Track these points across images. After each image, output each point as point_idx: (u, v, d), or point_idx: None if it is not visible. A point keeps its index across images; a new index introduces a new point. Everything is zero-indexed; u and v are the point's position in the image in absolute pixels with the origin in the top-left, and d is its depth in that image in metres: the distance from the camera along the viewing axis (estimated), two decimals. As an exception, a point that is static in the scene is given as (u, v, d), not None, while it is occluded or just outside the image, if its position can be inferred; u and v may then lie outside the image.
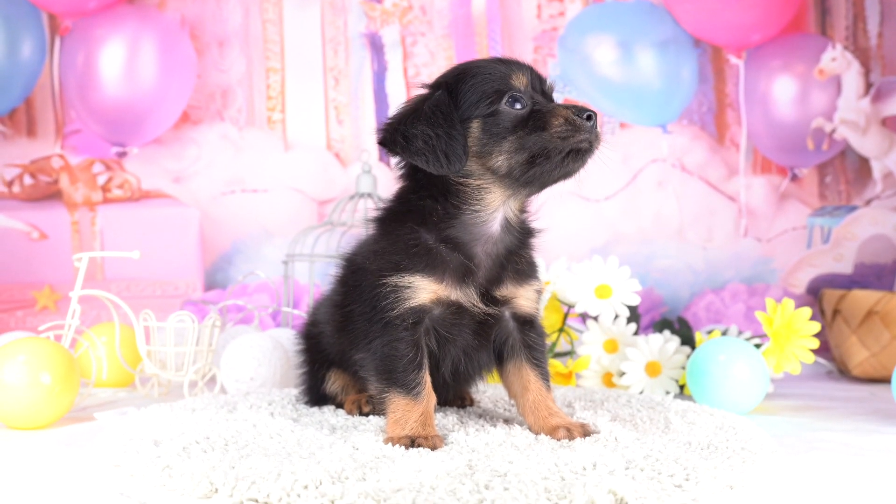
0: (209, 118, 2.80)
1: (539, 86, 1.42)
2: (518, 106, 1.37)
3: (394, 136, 1.39)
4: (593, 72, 2.83)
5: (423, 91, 1.44)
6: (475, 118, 1.37)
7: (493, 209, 1.40)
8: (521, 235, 1.45)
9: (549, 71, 2.83)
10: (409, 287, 1.37)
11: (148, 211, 2.78)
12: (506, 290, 1.43)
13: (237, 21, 2.81)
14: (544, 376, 1.48)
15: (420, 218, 1.40)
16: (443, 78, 1.44)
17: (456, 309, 1.39)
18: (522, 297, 1.45)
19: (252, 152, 2.81)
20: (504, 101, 1.37)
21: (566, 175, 1.39)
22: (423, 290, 1.37)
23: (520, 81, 1.38)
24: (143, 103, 2.77)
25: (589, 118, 1.34)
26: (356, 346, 1.48)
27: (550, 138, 1.34)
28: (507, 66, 1.40)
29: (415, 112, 1.40)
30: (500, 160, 1.36)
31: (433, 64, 2.82)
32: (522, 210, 1.46)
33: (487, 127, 1.37)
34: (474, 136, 1.37)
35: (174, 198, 2.79)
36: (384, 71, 2.83)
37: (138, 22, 2.77)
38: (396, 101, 2.77)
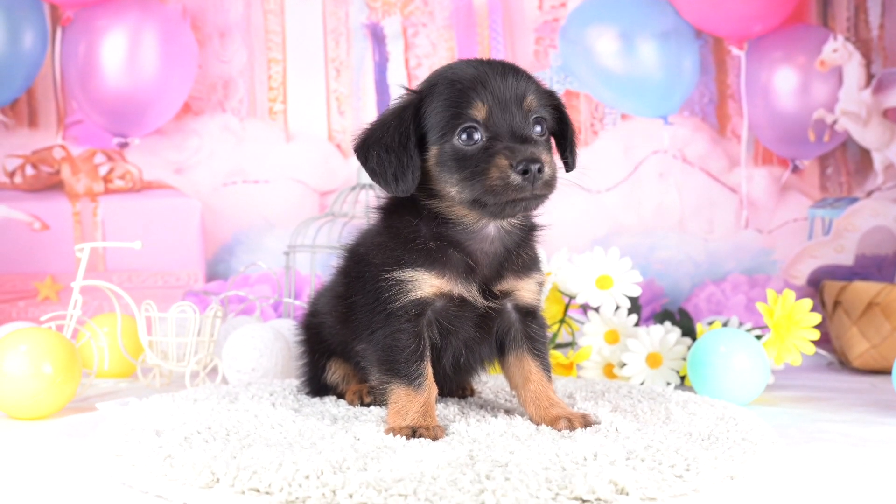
0: (210, 109, 2.80)
1: (510, 106, 1.33)
2: (471, 140, 1.32)
3: (360, 149, 1.40)
4: (595, 63, 2.83)
5: (403, 95, 1.42)
6: (433, 144, 1.35)
7: (480, 222, 1.39)
8: (522, 232, 1.45)
9: (551, 62, 2.82)
10: (411, 281, 1.37)
11: (149, 202, 2.78)
12: (507, 284, 1.43)
13: (238, 12, 2.80)
14: (546, 367, 1.48)
15: (418, 213, 1.40)
16: (421, 85, 1.42)
17: (459, 301, 1.40)
18: (524, 290, 1.45)
19: (253, 143, 2.81)
20: (457, 133, 1.32)
21: (519, 214, 1.37)
22: (425, 284, 1.37)
23: (478, 111, 1.31)
24: (145, 94, 2.77)
25: (525, 172, 1.26)
26: (358, 337, 1.48)
27: (486, 189, 1.29)
28: (473, 87, 1.33)
29: (382, 127, 1.39)
30: (453, 192, 1.34)
31: (434, 55, 2.81)
32: None
33: (441, 158, 1.35)
34: (432, 162, 1.36)
35: (176, 188, 2.79)
36: (386, 62, 2.83)
37: (140, 12, 2.76)
38: (398, 91, 2.76)
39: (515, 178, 1.27)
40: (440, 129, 1.34)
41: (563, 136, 1.46)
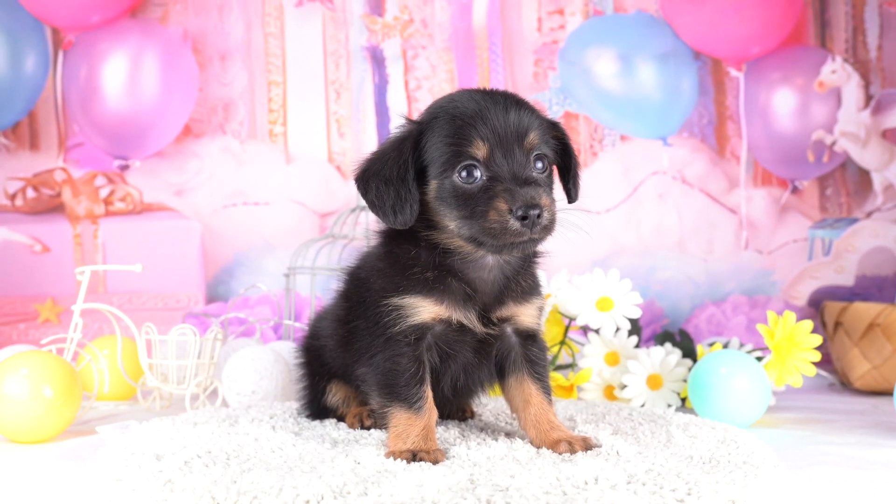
0: (211, 131, 2.81)
1: (512, 144, 1.31)
2: (471, 179, 1.31)
3: (359, 180, 1.39)
4: (594, 84, 2.84)
5: (404, 125, 1.42)
6: (433, 178, 1.35)
7: (478, 253, 1.38)
8: (521, 261, 1.45)
9: (550, 84, 2.83)
10: (410, 307, 1.37)
11: (150, 224, 2.78)
12: (507, 311, 1.43)
13: (239, 35, 2.82)
14: (546, 390, 1.48)
15: (418, 241, 1.40)
16: (422, 116, 1.41)
17: (458, 327, 1.40)
18: (524, 314, 1.45)
19: (254, 165, 2.82)
20: (456, 170, 1.32)
21: (517, 254, 1.38)
22: (424, 311, 1.38)
23: (479, 150, 1.30)
24: (146, 117, 2.78)
25: (524, 218, 1.26)
26: (359, 361, 1.48)
27: (484, 230, 1.29)
28: (474, 124, 1.31)
29: (381, 158, 1.38)
30: (452, 226, 1.34)
31: (434, 77, 2.83)
32: None
33: (440, 193, 1.34)
34: (432, 195, 1.36)
35: (176, 211, 2.79)
36: (385, 84, 2.84)
37: (141, 36, 2.78)
38: (398, 114, 2.77)
39: (514, 224, 1.27)
40: (440, 165, 1.33)
41: (567, 167, 1.45)
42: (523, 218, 1.26)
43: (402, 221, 1.35)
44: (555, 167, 1.43)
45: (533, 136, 1.33)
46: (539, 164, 1.35)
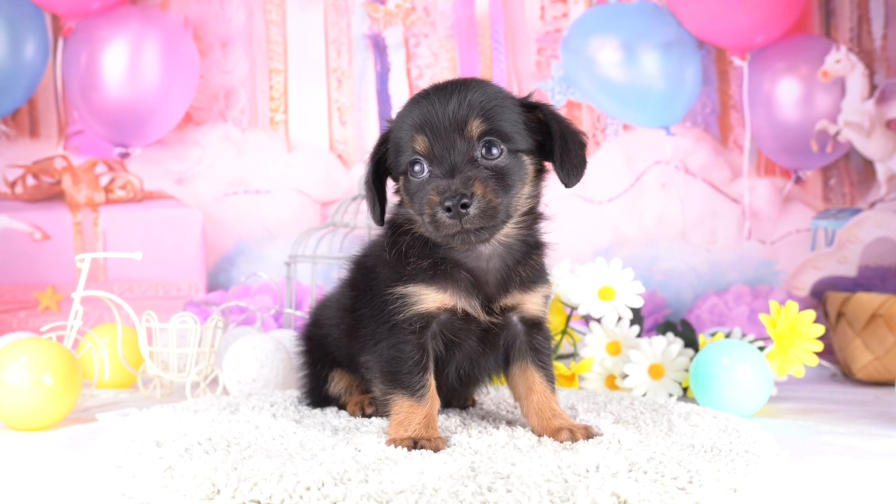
0: (212, 119, 2.80)
1: (451, 135, 1.30)
2: (419, 173, 1.33)
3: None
4: (597, 73, 2.83)
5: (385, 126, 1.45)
6: (400, 176, 1.39)
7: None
8: (524, 247, 1.43)
9: (553, 72, 2.82)
10: (414, 296, 1.37)
11: (150, 212, 2.78)
12: (512, 300, 1.42)
13: (240, 22, 2.81)
14: (549, 379, 1.47)
15: (427, 240, 1.40)
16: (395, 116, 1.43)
17: (463, 316, 1.39)
18: (529, 303, 1.44)
19: (255, 153, 2.81)
20: (407, 167, 1.34)
21: (477, 243, 1.35)
22: (428, 299, 1.37)
23: (419, 144, 1.31)
24: (146, 104, 2.77)
25: (448, 210, 1.25)
26: (364, 349, 1.47)
27: (427, 224, 1.31)
28: (416, 119, 1.32)
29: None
30: (419, 221, 1.36)
31: (436, 65, 2.82)
32: (516, 224, 1.41)
33: (405, 190, 1.38)
34: (402, 192, 1.40)
35: (177, 199, 2.79)
36: (387, 72, 2.83)
37: (141, 23, 2.77)
38: (399, 102, 2.77)
39: (442, 216, 1.27)
40: (399, 164, 1.37)
41: (562, 150, 1.38)
42: (448, 210, 1.26)
43: (376, 220, 1.43)
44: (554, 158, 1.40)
45: (476, 124, 1.31)
46: (494, 150, 1.32)
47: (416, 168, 1.33)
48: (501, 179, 1.31)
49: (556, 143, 1.37)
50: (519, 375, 1.48)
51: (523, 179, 1.35)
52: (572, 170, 1.38)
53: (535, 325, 1.47)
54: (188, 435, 1.35)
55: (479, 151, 1.31)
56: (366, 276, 1.50)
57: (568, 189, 1.40)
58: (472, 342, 1.43)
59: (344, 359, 1.64)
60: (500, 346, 1.47)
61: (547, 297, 1.48)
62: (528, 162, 1.37)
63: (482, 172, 1.30)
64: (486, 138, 1.31)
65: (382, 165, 1.44)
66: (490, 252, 1.40)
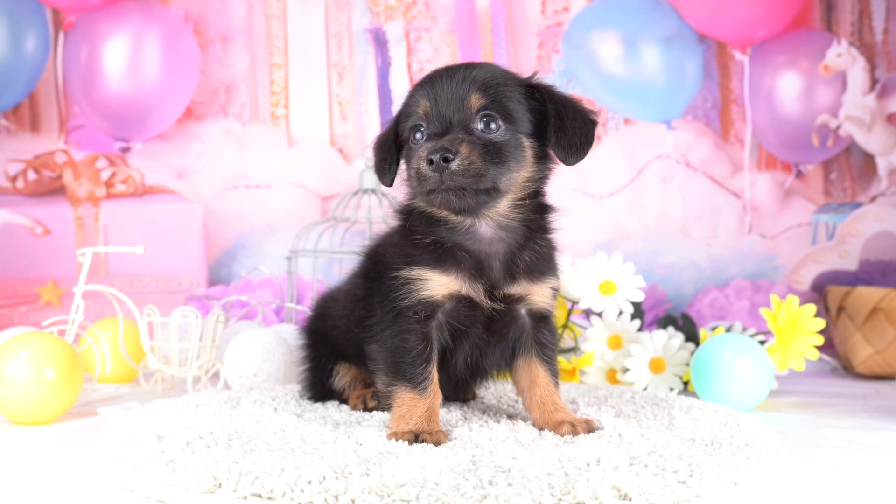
0: (213, 114, 2.80)
1: (451, 104, 1.34)
2: (419, 138, 1.37)
3: (374, 146, 1.52)
4: (597, 68, 2.83)
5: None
6: (405, 142, 1.43)
7: (465, 221, 1.39)
8: (525, 231, 1.43)
9: (554, 67, 2.82)
10: (419, 279, 1.37)
11: (151, 206, 2.78)
12: (519, 288, 1.42)
13: (241, 16, 2.81)
14: (553, 373, 1.47)
15: (428, 216, 1.41)
16: None
17: (468, 303, 1.39)
18: (537, 294, 1.44)
19: (255, 148, 2.81)
20: (410, 132, 1.39)
21: (457, 205, 1.34)
22: (434, 282, 1.37)
23: (422, 108, 1.36)
24: (147, 98, 2.77)
25: (431, 162, 1.28)
26: (371, 338, 1.47)
27: (411, 179, 1.37)
28: (422, 87, 1.38)
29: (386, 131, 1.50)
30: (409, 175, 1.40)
31: (437, 59, 2.81)
32: (516, 207, 1.41)
33: (407, 155, 1.42)
34: (405, 159, 1.44)
35: (178, 193, 2.79)
36: (388, 66, 2.83)
37: (142, 17, 2.77)
38: (400, 96, 2.76)
39: (425, 168, 1.30)
40: (405, 130, 1.41)
41: (557, 129, 1.38)
42: (430, 162, 1.28)
43: (386, 181, 1.46)
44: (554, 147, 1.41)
45: (475, 97, 1.34)
46: (493, 126, 1.34)
47: (417, 136, 1.37)
48: (495, 153, 1.33)
49: (550, 119, 1.38)
50: (523, 369, 1.48)
51: (518, 159, 1.36)
52: (570, 147, 1.38)
53: (542, 319, 1.47)
54: (190, 429, 1.35)
55: (477, 124, 1.34)
56: (377, 265, 1.51)
57: (567, 167, 1.40)
58: (478, 331, 1.43)
59: (351, 351, 1.64)
60: (509, 339, 1.47)
61: (555, 290, 1.48)
62: (526, 144, 1.37)
63: (475, 140, 1.32)
64: (484, 112, 1.34)
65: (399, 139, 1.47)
66: (491, 236, 1.40)
